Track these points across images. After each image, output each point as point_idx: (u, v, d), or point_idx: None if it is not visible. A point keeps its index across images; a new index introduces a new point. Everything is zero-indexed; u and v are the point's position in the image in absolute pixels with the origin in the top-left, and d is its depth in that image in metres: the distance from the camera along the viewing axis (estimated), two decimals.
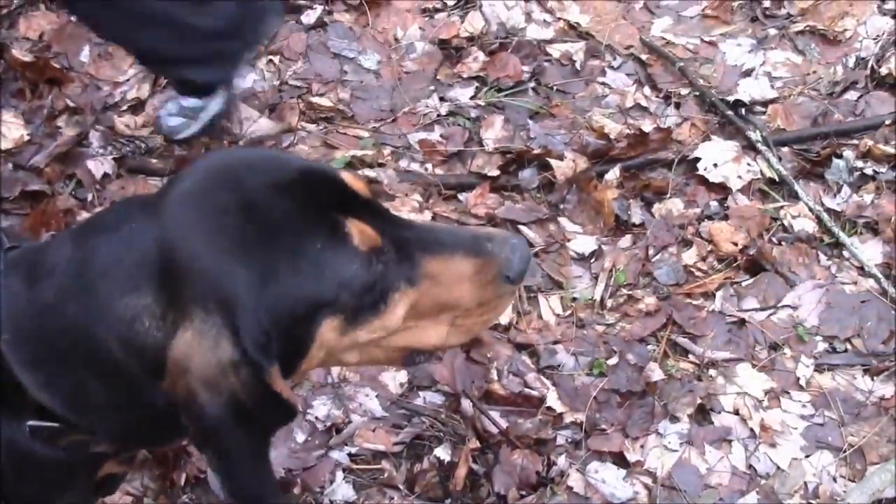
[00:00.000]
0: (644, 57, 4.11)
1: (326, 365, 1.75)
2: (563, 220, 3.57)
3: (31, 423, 1.64)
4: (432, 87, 3.97)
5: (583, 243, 3.51)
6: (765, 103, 3.95)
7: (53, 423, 1.65)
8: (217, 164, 1.65)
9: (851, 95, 3.98)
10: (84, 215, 3.43)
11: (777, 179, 3.67)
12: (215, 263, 1.51)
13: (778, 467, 3.05)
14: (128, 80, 3.87)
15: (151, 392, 1.55)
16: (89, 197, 3.52)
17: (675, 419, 3.12)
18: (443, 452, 2.99)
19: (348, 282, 1.58)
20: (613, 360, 3.21)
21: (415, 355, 1.83)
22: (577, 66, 4.05)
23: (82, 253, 1.60)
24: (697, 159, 3.70)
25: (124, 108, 3.79)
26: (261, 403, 1.53)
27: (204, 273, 1.50)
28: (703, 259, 3.48)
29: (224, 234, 1.53)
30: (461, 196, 3.62)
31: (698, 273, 3.46)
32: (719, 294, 3.40)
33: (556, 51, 4.10)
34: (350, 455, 3.02)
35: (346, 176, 1.69)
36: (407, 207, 3.49)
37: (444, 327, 1.77)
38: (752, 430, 3.11)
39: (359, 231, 1.59)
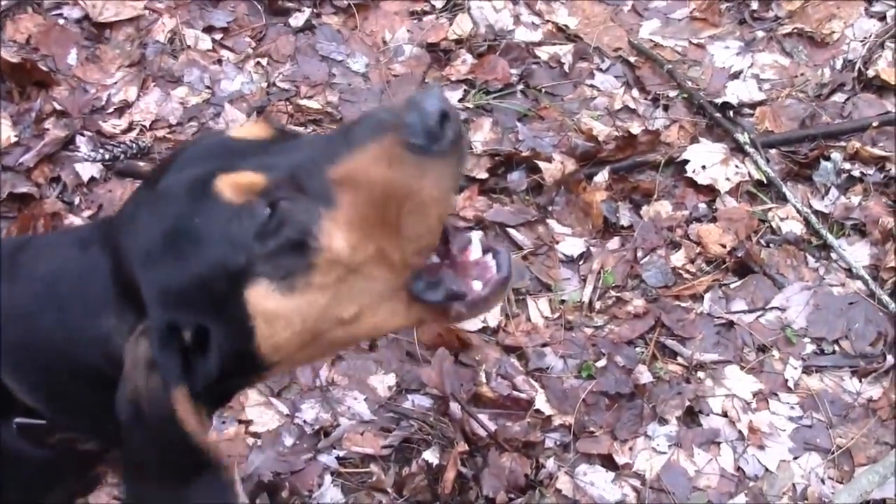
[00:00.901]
0: (632, 59, 4.11)
1: (325, 336, 1.57)
2: (551, 223, 3.57)
3: (18, 420, 1.64)
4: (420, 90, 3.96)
5: (571, 245, 3.51)
6: (753, 105, 3.95)
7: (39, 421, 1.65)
8: (147, 180, 1.66)
9: (839, 97, 3.98)
10: (71, 218, 3.43)
11: (765, 181, 3.68)
12: (130, 270, 1.52)
13: (766, 469, 3.06)
14: (115, 82, 3.86)
15: None
16: (76, 200, 3.51)
17: (663, 421, 3.13)
18: (431, 456, 2.99)
19: (238, 238, 1.48)
20: (602, 363, 3.21)
21: (416, 279, 1.61)
22: (566, 68, 4.05)
23: (57, 266, 1.63)
24: (686, 161, 3.70)
25: (111, 110, 3.78)
26: (160, 421, 1.49)
27: (130, 283, 1.52)
28: (692, 261, 3.48)
29: (137, 245, 1.54)
30: None
31: (686, 275, 3.46)
32: (707, 296, 3.41)
33: (544, 53, 4.10)
34: (338, 458, 3.01)
35: (235, 131, 1.64)
36: None
37: (402, 234, 1.53)
38: (740, 432, 3.12)
39: (228, 185, 1.50)
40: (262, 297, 1.49)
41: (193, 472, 1.53)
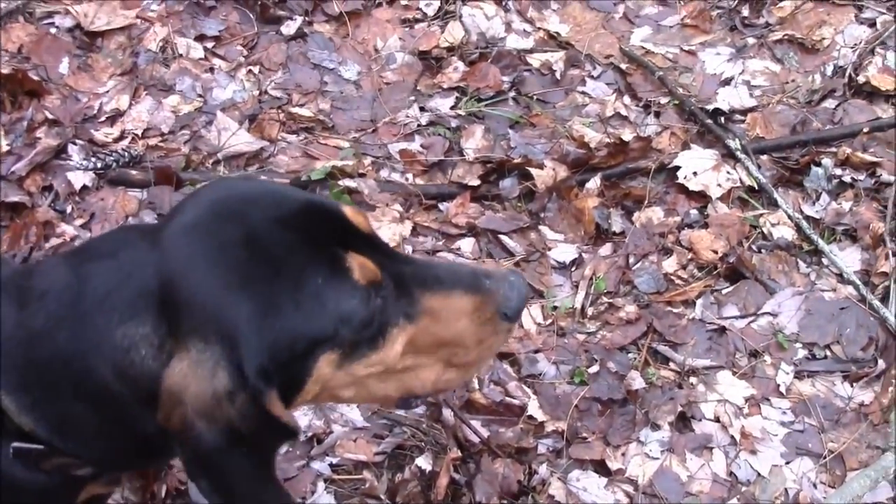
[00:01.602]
0: (624, 66, 4.12)
1: (321, 399, 1.73)
2: (543, 229, 3.57)
3: (15, 444, 1.64)
4: (412, 98, 3.98)
5: (563, 252, 3.51)
6: (744, 112, 3.96)
7: (37, 445, 1.64)
8: (220, 196, 1.66)
9: (830, 103, 4.00)
10: (64, 227, 3.42)
11: (756, 187, 3.69)
12: (216, 296, 1.52)
13: (759, 474, 3.06)
14: (107, 91, 3.86)
15: (143, 420, 1.56)
16: (69, 209, 3.51)
17: (656, 427, 3.13)
18: (424, 462, 2.98)
19: (348, 316, 1.59)
20: (594, 369, 3.21)
21: (410, 399, 1.86)
22: (557, 75, 4.06)
23: (77, 280, 1.61)
24: (677, 168, 3.71)
25: (103, 119, 3.78)
26: (258, 429, 1.54)
27: (204, 305, 1.52)
28: (684, 267, 3.49)
29: (226, 267, 1.54)
30: (442, 206, 3.62)
31: (678, 281, 3.47)
32: (699, 302, 3.41)
33: (536, 60, 4.11)
34: (331, 465, 3.01)
35: (348, 210, 1.71)
36: (387, 217, 3.49)
37: (441, 366, 1.79)
38: (732, 437, 3.12)
39: (359, 265, 1.61)
40: (328, 365, 1.62)
41: (288, 439, 1.69)
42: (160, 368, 1.52)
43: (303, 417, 3.07)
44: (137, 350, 1.54)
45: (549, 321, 3.35)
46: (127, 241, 1.63)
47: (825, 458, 3.09)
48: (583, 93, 4.04)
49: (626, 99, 4.02)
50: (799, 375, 3.26)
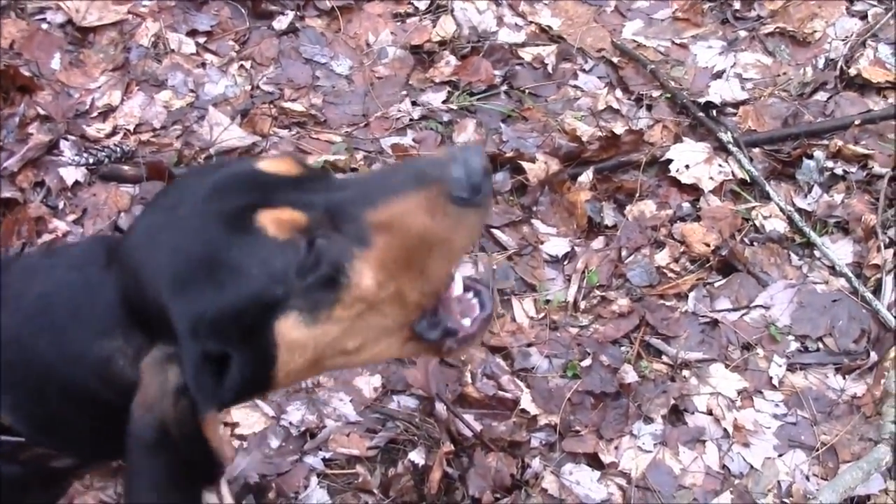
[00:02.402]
0: (615, 60, 4.12)
1: (330, 363, 1.67)
2: (536, 223, 3.57)
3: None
4: (404, 92, 3.97)
5: (556, 245, 3.51)
6: (736, 105, 3.97)
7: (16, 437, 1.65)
8: (165, 203, 1.66)
9: (821, 96, 4.00)
10: (56, 223, 3.42)
11: (748, 180, 3.69)
12: (156, 298, 1.53)
13: (751, 466, 3.07)
14: (99, 87, 3.86)
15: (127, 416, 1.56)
16: (61, 205, 3.51)
17: (648, 420, 3.13)
18: (417, 456, 2.99)
19: (278, 273, 1.53)
20: (587, 362, 3.22)
21: (419, 322, 1.72)
22: (549, 69, 4.06)
23: (52, 289, 1.63)
24: (669, 161, 3.71)
25: (95, 115, 3.78)
26: (187, 442, 1.52)
27: (151, 310, 1.53)
28: (676, 260, 3.49)
29: (159, 270, 1.54)
30: None
31: (671, 274, 3.47)
32: (692, 295, 3.42)
33: (527, 54, 4.11)
34: (324, 460, 3.01)
35: (265, 163, 1.66)
36: None
37: (422, 278, 1.64)
38: (725, 430, 3.13)
39: (272, 220, 1.55)
40: (291, 328, 1.56)
41: (205, 480, 1.62)
42: (136, 372, 1.54)
43: (295, 412, 3.08)
44: (116, 362, 1.57)
45: (542, 315, 3.35)
46: (92, 254, 1.66)
47: (818, 450, 3.10)
48: (575, 86, 4.04)
49: (618, 92, 4.02)
50: (791, 368, 3.27)
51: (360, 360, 1.73)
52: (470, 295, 1.82)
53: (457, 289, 1.80)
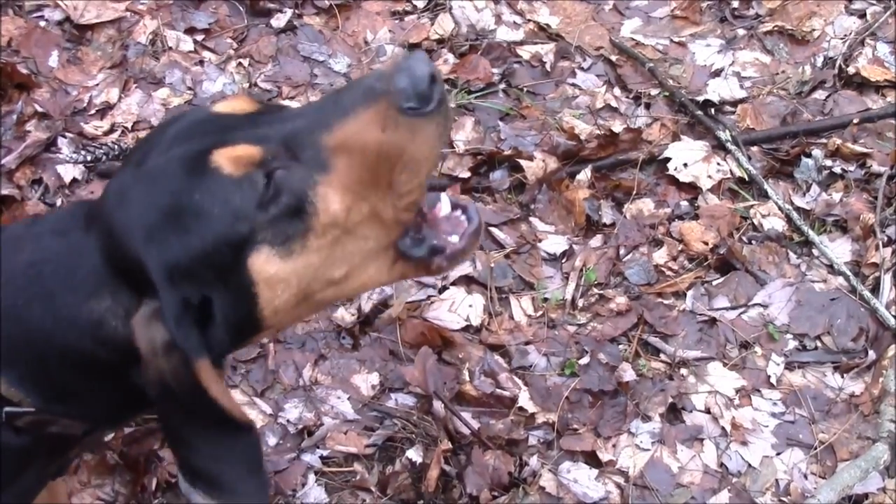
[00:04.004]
0: (614, 58, 4.12)
1: (321, 296, 1.67)
2: (534, 221, 3.57)
3: (7, 409, 1.66)
4: None
5: (554, 243, 3.51)
6: (734, 103, 3.96)
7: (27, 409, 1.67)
8: (129, 160, 1.69)
9: (820, 95, 4.00)
10: None
11: (747, 179, 3.69)
12: (133, 253, 1.55)
13: (749, 465, 3.07)
14: (97, 84, 3.85)
15: (130, 375, 1.60)
16: (59, 202, 3.50)
17: (646, 418, 3.13)
18: (415, 454, 2.99)
19: (241, 210, 1.55)
20: (585, 360, 3.21)
21: (405, 238, 1.73)
22: (548, 67, 4.06)
23: (38, 257, 1.65)
24: (667, 159, 3.71)
25: (93, 112, 3.77)
26: (187, 396, 1.55)
27: (131, 266, 1.56)
28: (674, 258, 3.49)
29: (134, 226, 1.56)
30: None
31: (669, 272, 3.47)
32: (690, 293, 3.41)
33: (526, 52, 4.11)
34: (322, 458, 3.01)
35: (220, 106, 1.68)
36: None
37: (392, 193, 1.64)
38: (723, 428, 3.12)
39: (227, 158, 1.56)
40: (264, 263, 1.57)
41: (227, 432, 1.62)
42: (130, 332, 1.56)
43: (293, 410, 3.07)
44: (108, 322, 1.59)
45: (540, 313, 3.35)
46: (74, 219, 1.67)
47: (816, 448, 3.10)
48: (573, 84, 4.04)
49: (617, 91, 4.02)
50: (789, 366, 3.27)
51: (351, 289, 1.74)
52: (458, 213, 1.83)
53: (444, 209, 1.81)
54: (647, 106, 3.95)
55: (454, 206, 1.82)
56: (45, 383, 1.66)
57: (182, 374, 1.52)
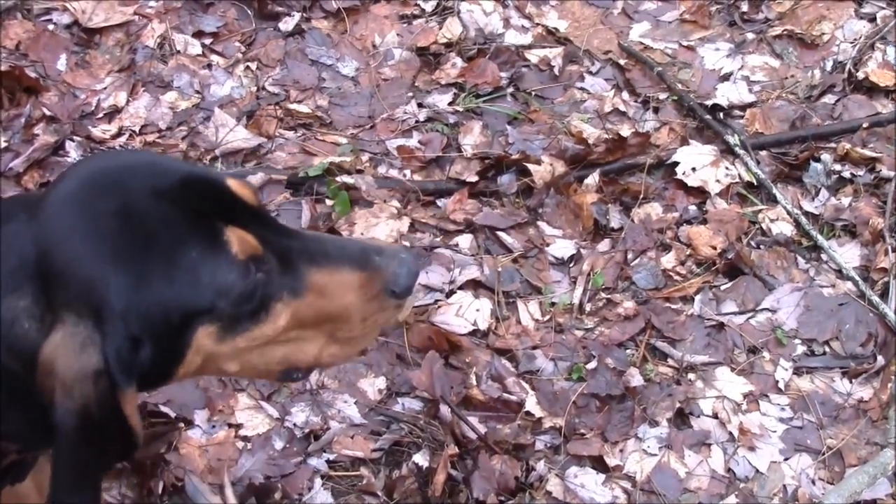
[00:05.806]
0: (622, 62, 4.11)
1: (204, 371, 1.72)
2: (541, 225, 3.57)
3: None
4: (410, 94, 3.97)
5: (561, 248, 3.51)
6: (743, 107, 3.95)
7: None
8: (100, 166, 1.64)
9: (829, 99, 3.99)
10: None
11: (755, 183, 3.68)
12: (89, 268, 1.50)
13: (757, 470, 3.05)
14: (105, 88, 3.86)
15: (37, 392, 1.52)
16: None
17: (654, 423, 3.12)
18: (421, 459, 2.98)
19: (225, 290, 1.57)
20: (592, 365, 3.21)
21: (292, 371, 1.83)
22: (556, 71, 4.05)
23: None
24: (676, 163, 3.70)
25: (101, 116, 3.78)
26: (108, 422, 1.52)
27: (78, 277, 1.50)
28: (682, 263, 3.48)
29: (99, 239, 1.52)
30: (440, 202, 3.62)
31: (677, 277, 3.46)
32: (698, 298, 3.41)
33: (534, 56, 4.11)
34: (328, 462, 3.01)
35: (233, 183, 1.68)
36: (385, 214, 3.49)
37: (325, 340, 1.78)
38: (731, 433, 3.11)
39: (238, 239, 1.59)
40: (206, 338, 1.60)
41: (121, 459, 1.69)
42: (41, 340, 1.49)
43: (300, 414, 3.07)
44: (21, 323, 1.51)
45: (547, 317, 3.34)
46: (10, 213, 1.59)
47: (824, 454, 3.09)
48: (581, 89, 4.03)
49: (625, 95, 4.01)
50: (798, 371, 3.26)
51: (240, 375, 1.98)
52: None
53: None
54: (656, 110, 3.94)
55: None
56: None
57: (107, 402, 1.50)
